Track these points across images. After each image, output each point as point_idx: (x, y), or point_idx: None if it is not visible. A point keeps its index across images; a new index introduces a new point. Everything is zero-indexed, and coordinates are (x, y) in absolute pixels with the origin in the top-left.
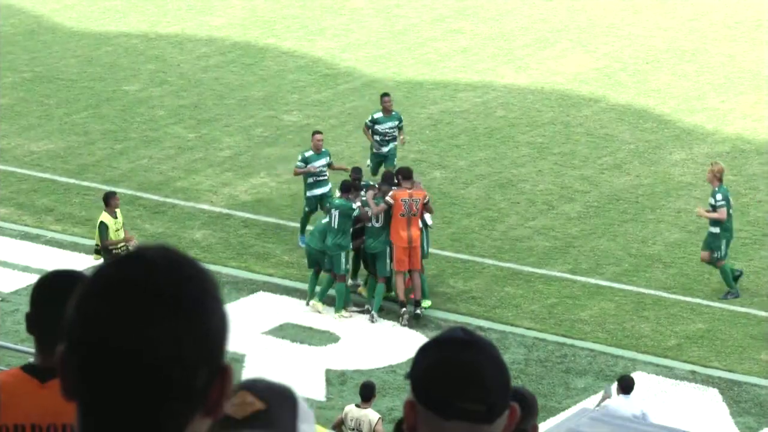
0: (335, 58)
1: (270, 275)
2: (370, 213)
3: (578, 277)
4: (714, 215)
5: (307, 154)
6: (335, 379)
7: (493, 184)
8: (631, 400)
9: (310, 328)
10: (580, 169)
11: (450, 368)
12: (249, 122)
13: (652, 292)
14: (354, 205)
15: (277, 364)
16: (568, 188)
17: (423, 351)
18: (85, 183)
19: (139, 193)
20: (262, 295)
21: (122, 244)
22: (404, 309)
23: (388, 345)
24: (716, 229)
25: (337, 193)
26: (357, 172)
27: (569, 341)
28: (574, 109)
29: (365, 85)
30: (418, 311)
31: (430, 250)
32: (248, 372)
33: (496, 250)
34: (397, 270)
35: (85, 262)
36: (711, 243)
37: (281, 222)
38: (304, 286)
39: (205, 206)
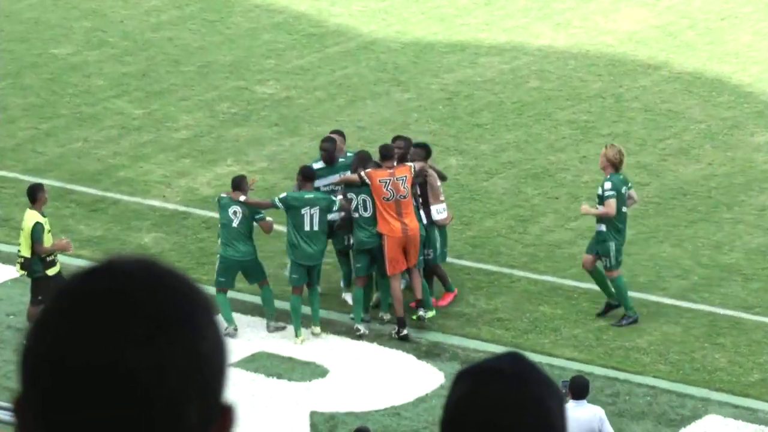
0: (322, 13)
1: (239, 291)
2: (353, 201)
3: (634, 294)
4: (599, 211)
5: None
6: (322, 424)
7: (524, 175)
8: (585, 406)
9: (291, 359)
10: (636, 155)
11: (475, 405)
12: (212, 95)
13: (729, 312)
14: (334, 196)
15: (249, 405)
16: None
17: (457, 379)
18: (2, 173)
19: (71, 186)
20: None
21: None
22: (405, 331)
23: (389, 380)
24: (602, 227)
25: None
26: (329, 141)
27: (623, 375)
28: (628, 79)
29: (361, 48)
30: (422, 313)
31: (449, 258)
32: None
33: (529, 259)
34: (390, 273)
35: (1, 274)
36: (597, 245)
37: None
38: (284, 305)
39: (156, 202)
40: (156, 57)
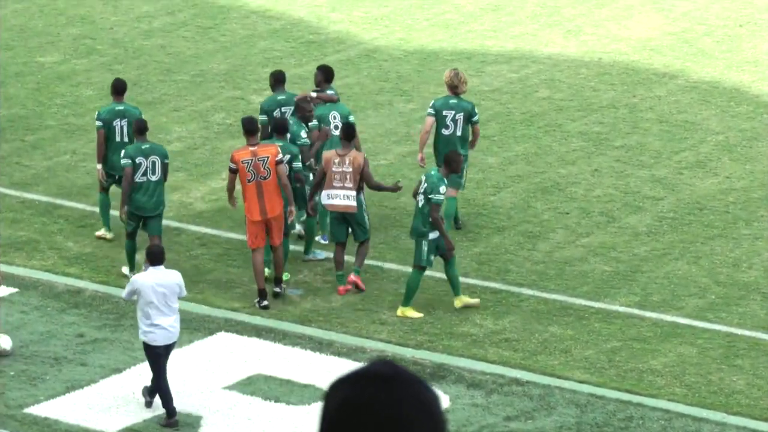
0: (322, 20)
1: (234, 310)
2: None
3: (648, 313)
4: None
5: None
6: None
7: (533, 189)
8: (162, 270)
9: (289, 381)
10: (650, 168)
11: (358, 411)
12: (206, 105)
13: (748, 332)
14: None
15: (246, 429)
16: (635, 194)
17: (332, 389)
18: None
19: (59, 201)
20: (223, 337)
21: None
22: (266, 303)
23: None
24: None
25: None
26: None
27: (636, 399)
28: (642, 88)
29: (362, 56)
30: (278, 289)
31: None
32: None
33: (538, 277)
34: (251, 246)
35: None
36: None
37: None
38: (281, 325)
39: None
40: (147, 65)
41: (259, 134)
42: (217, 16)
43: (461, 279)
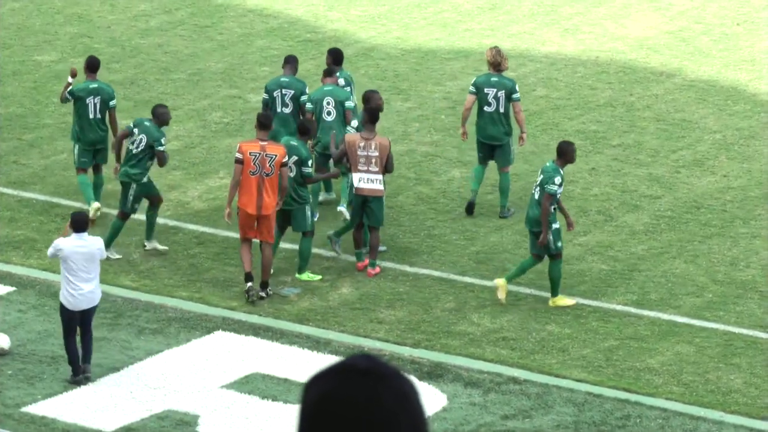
0: (319, 19)
1: (232, 309)
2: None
3: (645, 312)
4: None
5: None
6: None
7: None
8: (85, 238)
9: (287, 380)
10: (647, 167)
11: (337, 405)
12: (203, 104)
13: (745, 331)
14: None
15: (244, 429)
16: (632, 192)
17: (310, 384)
18: None
19: (55, 199)
20: (220, 336)
21: None
22: (250, 284)
23: None
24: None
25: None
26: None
27: (634, 397)
28: (639, 87)
29: (360, 54)
30: (263, 294)
31: (451, 275)
32: None
33: (536, 276)
34: (242, 238)
35: None
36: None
37: None
38: (278, 324)
39: (145, 217)
40: (145, 64)
41: (272, 126)
42: (214, 14)
43: (461, 277)
